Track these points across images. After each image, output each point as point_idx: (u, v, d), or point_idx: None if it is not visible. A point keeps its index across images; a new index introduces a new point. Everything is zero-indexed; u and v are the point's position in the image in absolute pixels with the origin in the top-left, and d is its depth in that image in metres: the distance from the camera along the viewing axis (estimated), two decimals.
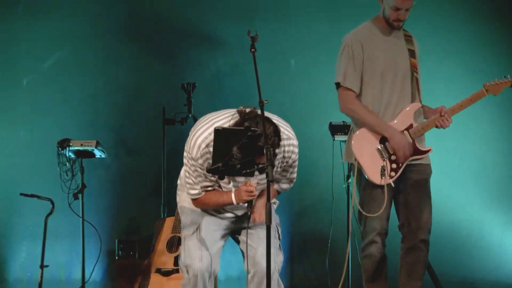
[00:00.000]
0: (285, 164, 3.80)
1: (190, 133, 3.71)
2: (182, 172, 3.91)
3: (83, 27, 6.46)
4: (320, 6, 6.53)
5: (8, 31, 6.43)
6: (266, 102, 3.52)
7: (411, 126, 4.41)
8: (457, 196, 6.34)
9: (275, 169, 3.75)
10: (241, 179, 3.74)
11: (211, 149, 3.58)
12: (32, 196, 5.45)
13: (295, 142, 3.78)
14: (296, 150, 3.80)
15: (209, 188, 3.76)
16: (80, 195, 5.67)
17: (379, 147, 4.42)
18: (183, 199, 3.93)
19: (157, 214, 6.00)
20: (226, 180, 3.74)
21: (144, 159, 6.46)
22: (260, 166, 3.41)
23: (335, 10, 6.48)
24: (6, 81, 6.42)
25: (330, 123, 5.71)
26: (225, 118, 3.65)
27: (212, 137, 3.57)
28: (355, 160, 4.44)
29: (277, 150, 3.61)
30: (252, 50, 3.57)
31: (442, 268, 5.83)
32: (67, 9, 6.45)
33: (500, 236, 6.38)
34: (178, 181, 3.98)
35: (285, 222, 6.30)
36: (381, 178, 4.39)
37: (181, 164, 3.99)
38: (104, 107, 6.46)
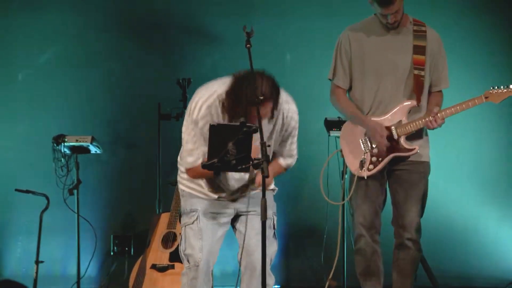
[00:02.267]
0: (284, 131, 3.80)
1: (191, 99, 3.74)
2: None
3: (78, 22, 6.45)
4: (315, 1, 6.52)
5: (3, 27, 6.41)
6: (262, 98, 3.54)
7: (400, 123, 4.40)
8: (453, 191, 6.34)
9: (275, 133, 3.76)
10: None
11: (211, 110, 3.64)
12: (27, 192, 5.44)
13: (295, 108, 3.81)
14: (296, 117, 3.81)
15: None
16: (75, 191, 5.66)
17: (362, 139, 4.45)
18: (183, 182, 3.90)
19: (152, 210, 6.00)
20: None
21: (140, 154, 6.45)
22: (255, 162, 3.41)
23: (331, 5, 6.47)
24: (1, 76, 6.41)
25: (326, 118, 5.71)
26: (223, 83, 3.67)
27: (212, 99, 3.64)
28: (340, 150, 4.54)
29: (274, 112, 3.64)
30: (248, 45, 3.58)
31: (437, 263, 5.84)
32: (62, 4, 6.44)
33: (495, 231, 6.38)
34: (178, 158, 3.94)
35: (280, 218, 6.29)
36: (360, 170, 4.41)
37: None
38: (100, 102, 6.45)
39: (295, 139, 3.89)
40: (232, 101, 3.57)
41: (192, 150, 3.72)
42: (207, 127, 3.58)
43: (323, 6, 6.48)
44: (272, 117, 3.66)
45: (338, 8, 6.39)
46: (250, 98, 3.49)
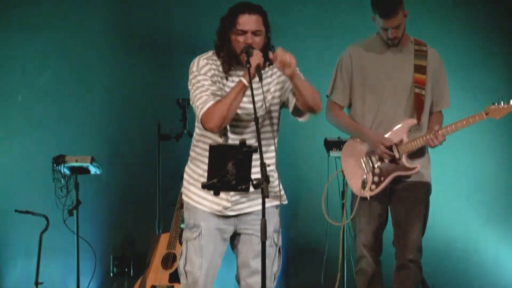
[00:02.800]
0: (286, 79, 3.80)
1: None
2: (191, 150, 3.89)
3: (77, 41, 6.47)
4: (313, 21, 6.54)
5: (2, 46, 6.44)
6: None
7: (401, 141, 4.41)
8: (452, 211, 6.34)
9: (276, 81, 3.78)
10: (241, 72, 3.71)
11: (209, 61, 3.73)
12: (26, 212, 5.45)
13: None
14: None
15: (218, 97, 3.72)
16: (75, 212, 5.66)
17: (364, 159, 4.44)
18: (188, 194, 3.88)
19: (152, 230, 5.99)
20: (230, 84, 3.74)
21: (139, 174, 6.45)
22: (255, 182, 3.40)
23: (328, 25, 6.49)
24: (0, 96, 6.43)
25: (325, 139, 5.71)
26: None
27: (208, 55, 3.77)
28: (341, 170, 4.52)
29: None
30: (248, 65, 3.58)
31: (437, 284, 5.83)
32: (61, 24, 6.46)
33: (495, 252, 6.37)
34: (186, 168, 3.91)
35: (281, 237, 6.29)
36: (362, 190, 4.40)
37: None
38: (99, 122, 6.47)
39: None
40: (220, 32, 3.77)
41: (201, 97, 3.70)
42: (210, 74, 3.70)
43: (320, 27, 6.50)
44: (266, 39, 3.68)
45: (336, 29, 6.41)
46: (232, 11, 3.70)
